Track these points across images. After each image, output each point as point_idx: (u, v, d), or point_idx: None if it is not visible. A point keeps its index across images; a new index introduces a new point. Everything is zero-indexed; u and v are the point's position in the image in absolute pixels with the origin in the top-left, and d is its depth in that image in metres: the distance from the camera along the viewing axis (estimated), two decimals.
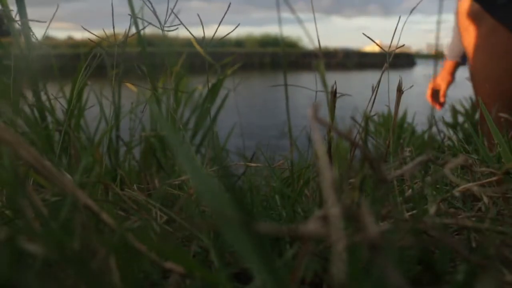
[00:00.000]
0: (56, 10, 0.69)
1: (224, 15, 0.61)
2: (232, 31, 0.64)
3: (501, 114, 0.58)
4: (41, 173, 0.28)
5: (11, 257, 0.23)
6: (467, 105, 2.31)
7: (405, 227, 0.33)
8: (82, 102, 1.10)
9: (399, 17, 0.57)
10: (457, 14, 1.28)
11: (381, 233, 0.21)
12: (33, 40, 0.74)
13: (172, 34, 0.64)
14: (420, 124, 2.20)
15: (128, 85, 1.16)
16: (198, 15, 0.61)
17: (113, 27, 0.67)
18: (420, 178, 0.55)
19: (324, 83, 0.46)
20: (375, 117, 1.50)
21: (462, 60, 1.51)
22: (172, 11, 0.62)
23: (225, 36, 0.64)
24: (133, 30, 0.81)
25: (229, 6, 0.60)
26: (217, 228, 0.28)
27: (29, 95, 0.89)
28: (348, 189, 0.32)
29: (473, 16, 1.17)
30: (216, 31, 0.62)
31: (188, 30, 0.63)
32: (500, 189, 0.46)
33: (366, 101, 0.53)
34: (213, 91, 1.57)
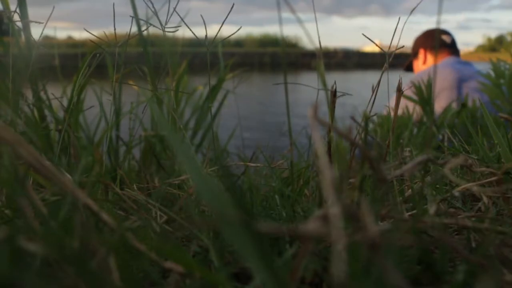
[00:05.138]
0: (52, 11, 0.69)
1: (227, 16, 0.61)
2: (234, 33, 0.64)
3: (501, 114, 0.58)
4: (40, 172, 0.28)
5: (11, 257, 0.23)
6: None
7: (405, 227, 0.33)
8: (81, 99, 1.10)
9: (399, 18, 0.57)
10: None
11: (381, 233, 0.21)
12: (33, 40, 0.74)
13: (173, 34, 0.64)
14: None
15: (129, 84, 1.16)
16: (201, 16, 0.61)
17: (114, 28, 0.67)
18: (420, 178, 0.55)
19: (324, 83, 0.46)
20: (375, 117, 1.50)
21: None
22: (174, 9, 0.62)
23: (228, 37, 0.64)
24: (134, 30, 0.81)
25: (232, 6, 0.60)
26: (217, 228, 0.28)
27: (29, 94, 0.89)
28: (348, 189, 0.32)
29: None
30: (218, 31, 0.63)
31: (191, 31, 0.63)
32: (500, 189, 0.46)
33: (366, 101, 0.53)
34: (213, 92, 1.58)
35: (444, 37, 2.00)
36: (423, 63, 2.08)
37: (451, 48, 1.99)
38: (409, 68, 2.18)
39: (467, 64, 1.90)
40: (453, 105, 1.42)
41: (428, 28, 2.18)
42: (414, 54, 2.11)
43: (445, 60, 1.94)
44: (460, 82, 1.79)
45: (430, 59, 2.06)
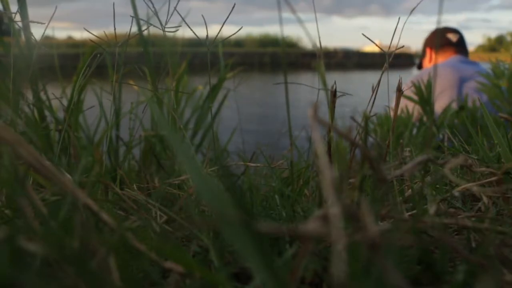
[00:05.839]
0: (55, 12, 0.69)
1: (228, 16, 0.61)
2: (235, 33, 0.65)
3: (501, 114, 0.58)
4: (40, 172, 0.28)
5: (11, 257, 0.23)
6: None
7: (405, 227, 0.33)
8: (81, 99, 1.10)
9: (399, 18, 0.57)
10: None
11: (381, 233, 0.21)
12: (33, 40, 0.74)
13: (173, 34, 0.64)
14: None
15: (129, 84, 1.16)
16: (203, 16, 0.61)
17: (114, 28, 0.67)
18: (420, 178, 0.55)
19: (324, 83, 0.46)
20: (374, 118, 1.51)
21: None
22: (175, 9, 0.62)
23: (228, 37, 0.64)
24: (134, 30, 0.81)
25: (233, 7, 0.60)
26: (217, 228, 0.28)
27: (29, 94, 0.89)
28: (348, 189, 0.32)
29: None
30: (219, 31, 0.63)
31: (192, 31, 0.63)
32: (500, 189, 0.46)
33: (366, 101, 0.53)
34: (214, 91, 1.58)
35: (450, 36, 2.01)
36: (429, 62, 2.11)
37: (458, 46, 2.00)
38: (421, 67, 2.22)
39: (472, 64, 1.89)
40: (453, 104, 1.42)
41: (433, 27, 2.30)
42: (423, 53, 2.15)
43: (449, 59, 1.94)
44: (460, 82, 1.79)
45: (434, 57, 2.07)
